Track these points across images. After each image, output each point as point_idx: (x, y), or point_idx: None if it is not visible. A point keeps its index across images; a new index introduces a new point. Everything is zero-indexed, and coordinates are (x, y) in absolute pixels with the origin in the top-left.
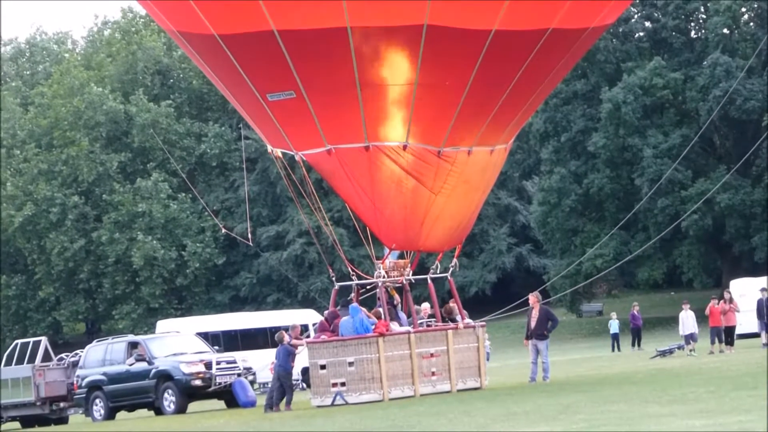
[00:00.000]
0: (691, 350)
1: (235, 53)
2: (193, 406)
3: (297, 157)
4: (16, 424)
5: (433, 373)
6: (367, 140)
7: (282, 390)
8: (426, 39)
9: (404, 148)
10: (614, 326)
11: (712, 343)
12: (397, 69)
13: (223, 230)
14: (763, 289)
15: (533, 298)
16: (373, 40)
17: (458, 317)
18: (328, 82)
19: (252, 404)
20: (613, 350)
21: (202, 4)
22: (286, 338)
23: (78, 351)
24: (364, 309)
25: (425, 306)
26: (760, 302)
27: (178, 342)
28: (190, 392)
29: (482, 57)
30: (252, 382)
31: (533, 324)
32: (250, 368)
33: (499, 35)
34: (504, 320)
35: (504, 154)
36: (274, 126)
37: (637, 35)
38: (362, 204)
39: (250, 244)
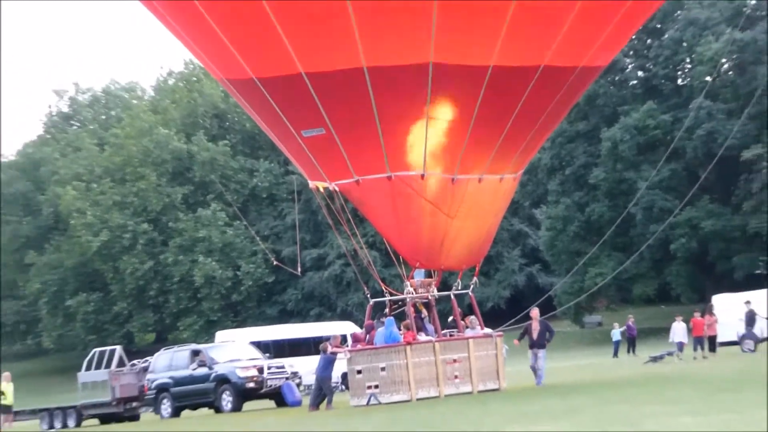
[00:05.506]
0: (680, 357)
1: (272, 94)
2: (247, 406)
3: (331, 188)
4: (95, 422)
5: (456, 377)
6: (389, 171)
7: (322, 394)
8: (433, 76)
9: (422, 177)
10: (616, 335)
11: (695, 350)
12: (410, 105)
13: (275, 263)
14: (747, 302)
15: (535, 312)
16: (386, 79)
17: (478, 328)
18: (351, 119)
19: (298, 404)
20: (614, 356)
21: (242, 50)
22: (329, 348)
23: (148, 358)
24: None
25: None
26: (749, 314)
27: (234, 350)
28: (244, 393)
29: (483, 91)
30: (298, 385)
31: (535, 335)
32: (297, 372)
33: (496, 71)
34: (516, 330)
35: (513, 183)
36: (310, 160)
37: (631, 83)
38: (388, 228)
39: (299, 273)
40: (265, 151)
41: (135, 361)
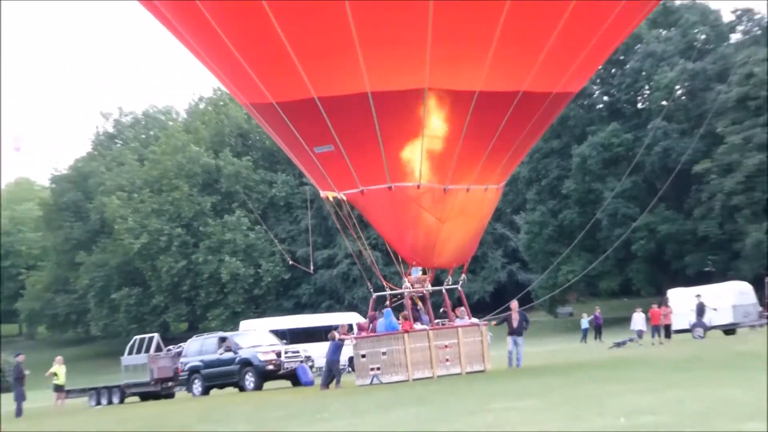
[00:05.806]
0: (639, 343)
1: (288, 116)
2: (267, 385)
3: (339, 197)
4: (136, 399)
5: (447, 360)
6: (390, 182)
7: (331, 375)
8: (427, 100)
9: (418, 187)
10: (585, 323)
11: (652, 336)
12: (407, 124)
13: (291, 262)
14: (698, 296)
15: (514, 304)
16: (387, 102)
17: (466, 317)
18: (357, 137)
19: (311, 384)
20: (582, 341)
21: (263, 79)
22: (336, 335)
23: (181, 344)
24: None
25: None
26: (699, 305)
27: (256, 337)
28: (265, 375)
29: (471, 113)
30: (311, 367)
31: (515, 324)
32: (310, 356)
33: (482, 96)
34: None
35: (497, 193)
36: (321, 173)
37: (598, 106)
38: (389, 231)
39: (311, 271)
40: (283, 165)
41: (170, 347)
